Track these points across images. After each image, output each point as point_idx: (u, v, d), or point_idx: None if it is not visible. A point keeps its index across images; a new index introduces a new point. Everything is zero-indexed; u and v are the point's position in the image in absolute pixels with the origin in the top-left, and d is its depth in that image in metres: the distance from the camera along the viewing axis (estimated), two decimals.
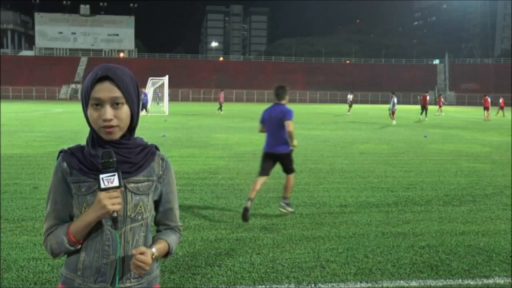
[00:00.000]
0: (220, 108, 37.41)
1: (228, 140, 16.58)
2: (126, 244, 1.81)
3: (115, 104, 1.74)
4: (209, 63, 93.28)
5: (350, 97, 41.65)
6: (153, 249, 1.81)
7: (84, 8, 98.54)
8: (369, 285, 4.43)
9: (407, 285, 4.45)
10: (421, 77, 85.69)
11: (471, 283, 4.50)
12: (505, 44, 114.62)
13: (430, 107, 34.29)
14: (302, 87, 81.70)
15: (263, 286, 4.36)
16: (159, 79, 38.35)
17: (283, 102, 6.83)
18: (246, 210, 6.34)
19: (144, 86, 36.98)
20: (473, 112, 46.16)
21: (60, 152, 1.85)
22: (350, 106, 40.91)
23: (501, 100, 40.64)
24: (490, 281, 4.55)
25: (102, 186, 1.69)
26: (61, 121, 25.76)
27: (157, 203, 1.94)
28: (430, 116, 33.48)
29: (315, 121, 28.41)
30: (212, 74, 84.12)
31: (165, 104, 36.96)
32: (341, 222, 6.47)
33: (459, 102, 79.39)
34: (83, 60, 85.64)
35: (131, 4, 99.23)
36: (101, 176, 1.69)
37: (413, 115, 37.39)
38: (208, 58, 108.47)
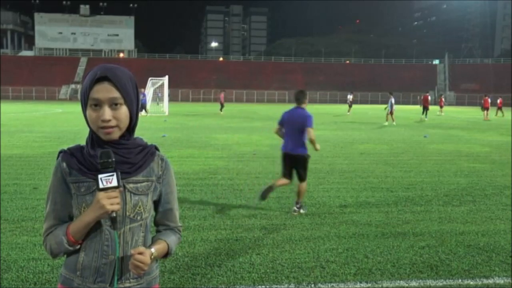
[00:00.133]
0: (221, 108, 37.40)
1: (228, 141, 16.58)
2: (125, 244, 1.81)
3: (113, 104, 1.74)
4: (209, 63, 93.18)
5: (350, 97, 41.64)
6: (152, 249, 1.81)
7: (84, 8, 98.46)
8: (369, 285, 4.43)
9: (407, 285, 4.45)
10: (421, 77, 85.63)
11: (471, 283, 4.50)
12: (505, 44, 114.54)
13: (431, 108, 34.26)
14: (302, 87, 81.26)
15: (263, 286, 4.35)
16: (159, 79, 38.33)
17: (303, 105, 7.22)
18: (270, 188, 6.74)
19: (144, 87, 36.96)
20: (473, 112, 46.13)
21: (60, 152, 1.86)
22: (350, 106, 40.89)
23: (499, 101, 40.69)
24: (490, 281, 4.56)
25: (101, 186, 1.69)
26: (60, 121, 25.74)
27: (156, 204, 1.94)
28: (430, 116, 33.45)
29: (315, 121, 28.29)
30: (212, 75, 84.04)
31: (165, 105, 36.94)
32: (341, 222, 6.47)
33: (459, 102, 79.32)
34: (83, 60, 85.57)
35: (131, 4, 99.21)
36: (99, 176, 1.69)
37: (413, 115, 37.38)
38: (208, 58, 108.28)
